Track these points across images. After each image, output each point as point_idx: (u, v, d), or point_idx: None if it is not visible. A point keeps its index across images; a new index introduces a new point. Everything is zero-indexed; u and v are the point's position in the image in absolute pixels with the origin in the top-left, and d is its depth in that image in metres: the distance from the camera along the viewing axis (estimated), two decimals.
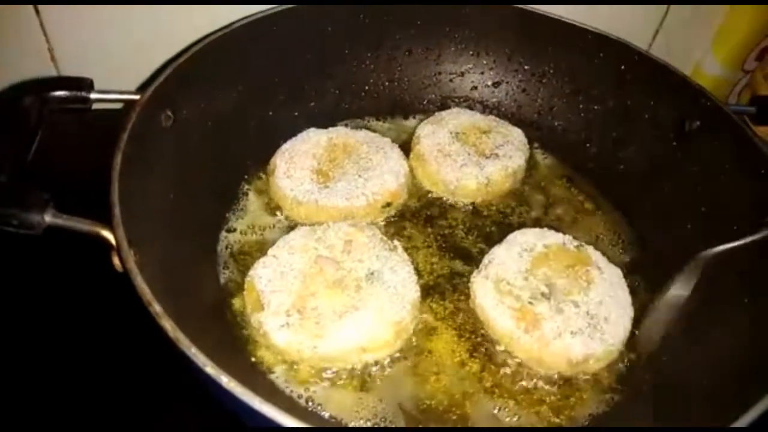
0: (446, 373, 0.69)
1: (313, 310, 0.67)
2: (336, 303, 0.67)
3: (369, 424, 0.64)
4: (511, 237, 0.77)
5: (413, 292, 0.71)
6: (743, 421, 0.52)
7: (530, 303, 0.70)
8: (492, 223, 0.84)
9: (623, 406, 0.68)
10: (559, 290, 0.71)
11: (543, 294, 0.71)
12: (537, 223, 0.84)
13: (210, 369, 0.49)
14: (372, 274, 0.70)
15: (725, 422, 0.52)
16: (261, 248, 0.76)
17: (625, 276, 0.79)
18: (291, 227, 0.80)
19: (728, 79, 1.18)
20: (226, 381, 0.48)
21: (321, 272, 0.70)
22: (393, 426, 0.64)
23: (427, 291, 0.75)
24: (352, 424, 0.64)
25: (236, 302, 0.72)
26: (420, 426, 0.65)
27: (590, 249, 0.76)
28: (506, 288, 0.71)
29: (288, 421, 0.47)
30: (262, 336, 0.67)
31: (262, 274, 0.70)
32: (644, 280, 0.79)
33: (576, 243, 0.76)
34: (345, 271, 0.70)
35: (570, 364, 0.68)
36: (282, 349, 0.66)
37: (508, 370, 0.70)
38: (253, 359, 0.67)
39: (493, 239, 0.80)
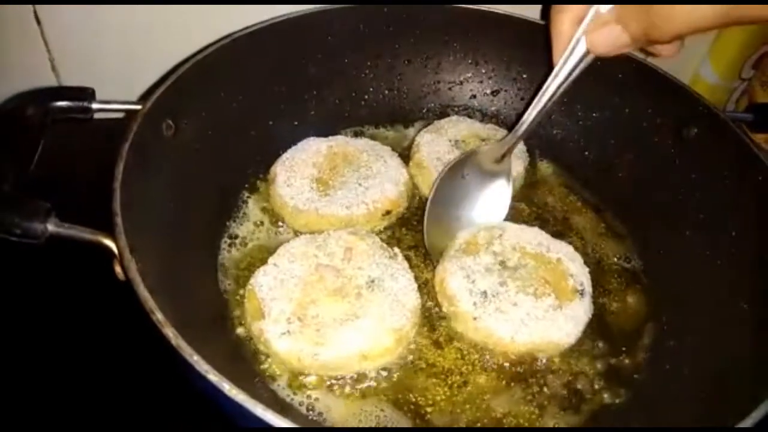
0: (447, 381, 0.69)
1: (313, 318, 0.67)
2: (336, 310, 0.68)
3: None
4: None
5: (414, 299, 0.71)
6: (747, 422, 0.52)
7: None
8: None
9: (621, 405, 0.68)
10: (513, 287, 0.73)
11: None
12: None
13: (212, 376, 0.49)
14: (372, 281, 0.71)
15: (727, 422, 0.52)
16: (261, 256, 0.76)
17: (624, 282, 0.80)
18: (291, 235, 0.80)
19: (726, 87, 1.19)
20: (228, 388, 0.48)
21: (321, 280, 0.70)
22: None
23: (427, 298, 0.75)
24: None
25: (237, 310, 0.72)
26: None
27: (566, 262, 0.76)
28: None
29: (290, 426, 0.47)
30: (263, 344, 0.67)
31: (263, 282, 0.70)
32: (643, 286, 0.80)
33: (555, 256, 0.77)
34: (345, 279, 0.71)
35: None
36: (283, 356, 0.66)
37: (509, 377, 0.70)
38: (253, 367, 0.67)
39: None
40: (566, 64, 0.68)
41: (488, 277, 0.73)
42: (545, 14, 0.78)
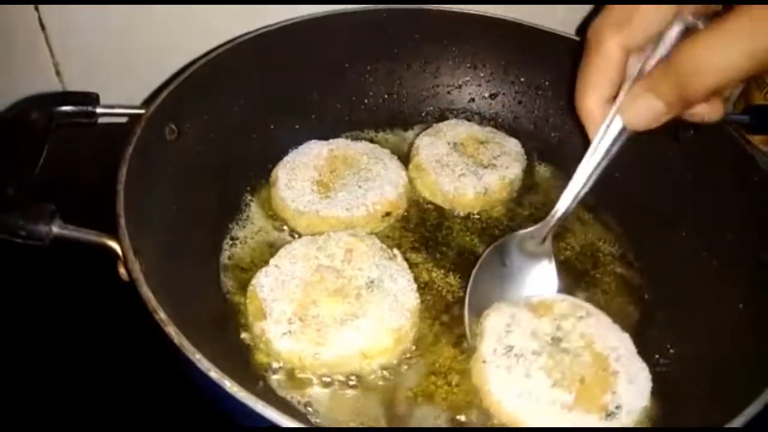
0: (446, 380, 0.69)
1: (314, 318, 0.68)
2: (337, 311, 0.68)
3: None
4: None
5: (412, 299, 0.72)
6: (740, 420, 0.53)
7: None
8: (490, 232, 0.85)
9: None
10: None
11: None
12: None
13: (213, 374, 0.50)
14: (372, 282, 0.71)
15: (724, 422, 0.53)
16: (263, 257, 0.77)
17: (621, 282, 0.81)
18: (293, 237, 0.81)
19: None
20: (229, 386, 0.49)
21: (322, 281, 0.71)
22: None
23: (426, 299, 0.76)
24: None
25: (239, 310, 0.73)
26: None
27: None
28: None
29: (292, 424, 0.48)
30: (265, 343, 0.68)
31: (264, 283, 0.71)
32: (639, 286, 0.80)
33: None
34: (345, 280, 0.71)
35: None
36: (284, 356, 0.67)
37: None
38: (254, 366, 0.68)
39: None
40: (602, 143, 0.66)
41: (528, 341, 0.68)
42: (581, 31, 0.78)
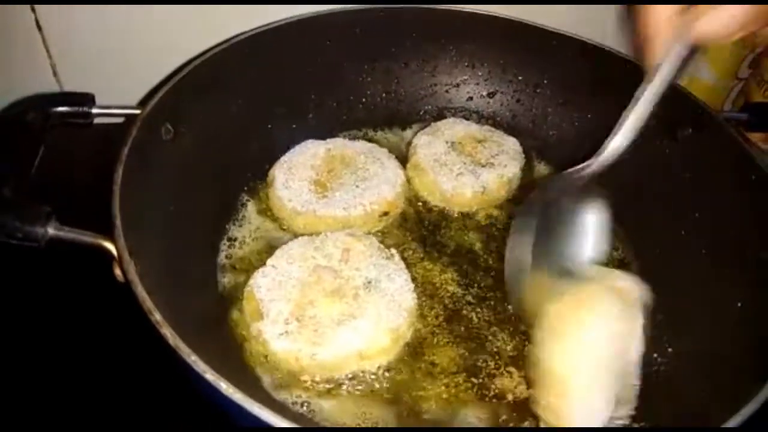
0: (443, 380, 0.69)
1: (311, 319, 0.68)
2: (334, 311, 0.68)
3: None
4: None
5: (410, 299, 0.72)
6: (736, 419, 0.52)
7: None
8: (488, 231, 0.85)
9: None
10: None
11: None
12: None
13: (209, 376, 0.49)
14: (369, 282, 0.71)
15: (723, 421, 0.53)
16: (260, 258, 0.77)
17: None
18: (290, 237, 0.81)
19: (723, 87, 1.19)
20: (225, 387, 0.49)
21: (319, 281, 0.71)
22: None
23: (424, 298, 0.76)
24: None
25: (235, 311, 0.73)
26: None
27: None
28: None
29: (288, 425, 0.48)
30: (262, 344, 0.68)
31: (261, 283, 0.71)
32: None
33: None
34: (343, 280, 0.71)
35: None
36: (281, 356, 0.67)
37: (504, 379, 0.70)
38: (251, 367, 0.68)
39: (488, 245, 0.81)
40: (666, 64, 0.61)
41: None
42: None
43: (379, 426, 0.65)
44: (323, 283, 0.71)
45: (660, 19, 0.60)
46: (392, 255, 0.75)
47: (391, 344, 0.69)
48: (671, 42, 0.60)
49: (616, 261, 0.83)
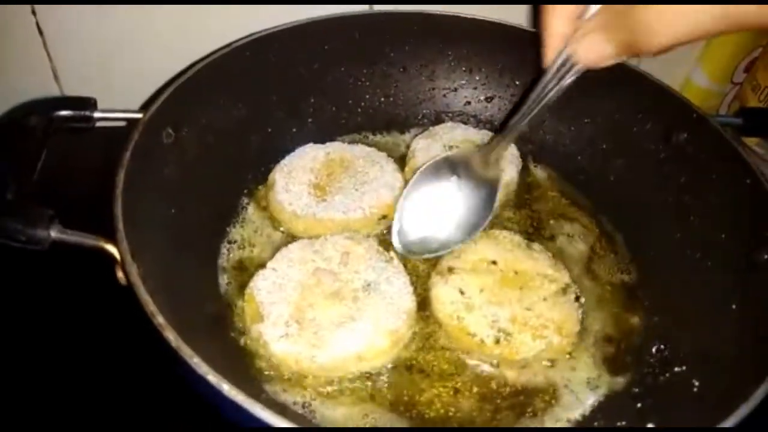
0: (441, 382, 0.70)
1: (311, 321, 0.68)
2: (333, 313, 0.69)
3: None
4: None
5: (409, 302, 0.72)
6: (731, 420, 0.53)
7: None
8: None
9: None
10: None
11: None
12: (529, 234, 0.86)
13: (211, 377, 0.50)
14: (368, 285, 0.72)
15: (719, 422, 0.54)
16: (260, 260, 0.78)
17: (616, 284, 0.81)
18: (290, 240, 0.81)
19: (718, 91, 1.20)
20: (227, 389, 0.50)
21: (319, 284, 0.72)
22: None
23: (422, 301, 0.76)
24: None
25: (236, 313, 0.74)
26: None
27: None
28: None
29: (289, 425, 0.49)
30: (262, 346, 0.68)
31: (262, 286, 0.71)
32: (635, 288, 0.81)
33: None
34: (342, 283, 0.72)
35: None
36: (281, 358, 0.67)
37: (499, 379, 0.71)
38: (252, 369, 0.69)
39: None
40: (558, 68, 0.63)
41: None
42: (535, 20, 0.76)
43: (379, 427, 0.66)
44: (323, 286, 0.71)
45: (555, 23, 0.62)
46: (391, 258, 0.76)
47: (390, 346, 0.69)
48: (560, 53, 0.63)
49: (613, 264, 0.84)
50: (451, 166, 0.80)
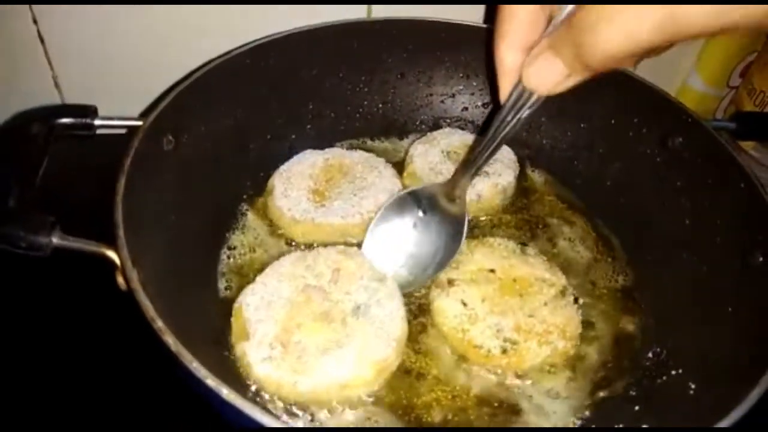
0: (439, 386, 0.70)
1: (296, 344, 0.66)
2: (320, 338, 0.67)
3: None
4: None
5: (399, 329, 0.69)
6: (727, 421, 0.54)
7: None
8: (483, 239, 0.86)
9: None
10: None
11: None
12: (526, 239, 0.87)
13: (210, 381, 0.51)
14: (358, 308, 0.70)
15: (715, 422, 0.54)
16: (260, 266, 0.78)
17: (613, 288, 0.82)
18: (289, 246, 0.82)
19: (714, 95, 1.21)
20: (226, 393, 0.50)
21: (308, 302, 0.69)
22: None
23: (415, 313, 0.76)
24: None
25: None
26: None
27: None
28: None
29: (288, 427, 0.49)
30: (245, 366, 0.66)
31: (250, 301, 0.70)
32: (631, 292, 0.82)
33: None
34: (332, 303, 0.70)
35: None
36: (263, 381, 0.65)
37: (498, 382, 0.71)
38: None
39: None
40: (515, 101, 0.58)
41: None
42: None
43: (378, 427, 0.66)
44: (312, 305, 0.69)
45: (506, 55, 0.57)
46: (384, 278, 0.74)
47: (375, 376, 0.67)
48: (516, 85, 0.58)
49: (610, 268, 0.85)
50: (416, 200, 0.79)
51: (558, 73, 0.51)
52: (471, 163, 0.71)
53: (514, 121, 0.60)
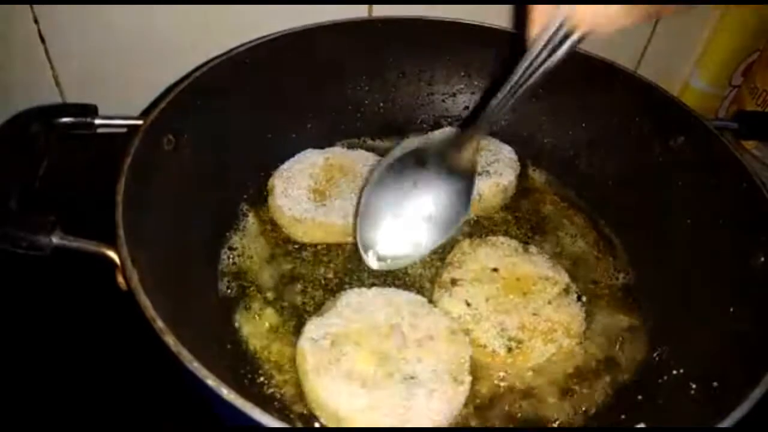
0: None
1: (342, 352, 0.65)
2: (360, 366, 0.65)
3: None
4: None
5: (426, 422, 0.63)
6: (726, 422, 0.54)
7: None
8: (485, 238, 0.86)
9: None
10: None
11: None
12: (528, 238, 0.86)
13: (210, 381, 0.50)
14: (412, 378, 0.64)
15: (716, 422, 0.54)
16: (260, 266, 0.78)
17: (614, 287, 0.82)
18: (289, 246, 0.82)
19: (717, 95, 1.21)
20: (226, 393, 0.50)
21: (384, 336, 0.67)
22: None
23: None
24: None
25: (236, 318, 0.74)
26: None
27: None
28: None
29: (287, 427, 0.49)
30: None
31: (352, 299, 0.71)
32: (632, 291, 0.81)
33: None
34: (399, 356, 0.66)
35: None
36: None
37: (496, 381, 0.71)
38: (252, 372, 0.69)
39: None
40: (548, 40, 0.54)
41: None
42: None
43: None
44: (384, 341, 0.67)
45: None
46: (462, 381, 0.66)
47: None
48: (549, 25, 0.53)
49: (611, 267, 0.84)
50: (419, 158, 0.71)
51: (615, 9, 0.47)
52: (489, 111, 0.64)
53: (546, 64, 0.55)
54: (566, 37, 0.53)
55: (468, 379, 0.66)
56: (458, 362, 0.67)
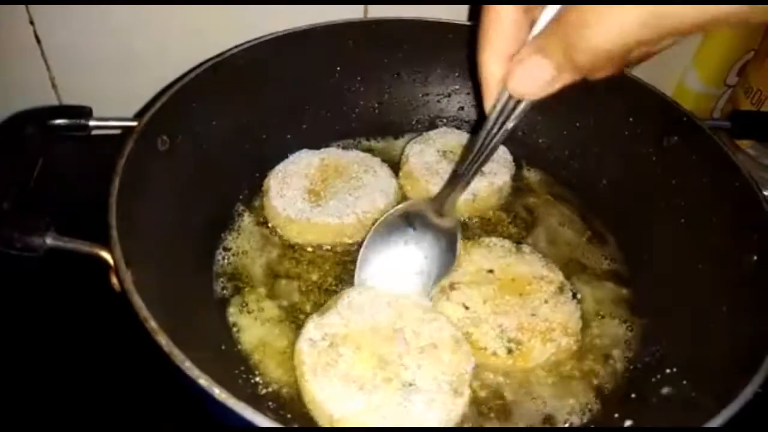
0: None
1: (337, 352, 0.65)
2: (358, 367, 0.64)
3: None
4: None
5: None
6: (718, 420, 0.54)
7: None
8: (480, 239, 0.86)
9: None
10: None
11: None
12: (522, 238, 0.87)
13: (203, 381, 0.51)
14: (410, 385, 0.63)
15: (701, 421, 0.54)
16: (255, 267, 0.78)
17: (609, 287, 0.82)
18: (285, 247, 0.82)
19: (712, 94, 1.21)
20: (218, 393, 0.50)
21: (387, 340, 0.67)
22: None
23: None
24: None
25: (231, 318, 0.74)
26: None
27: None
28: None
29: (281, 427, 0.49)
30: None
31: (354, 296, 0.71)
32: (627, 291, 0.82)
33: None
34: (399, 361, 0.65)
35: None
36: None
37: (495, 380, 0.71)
38: (245, 373, 0.69)
39: None
40: (500, 111, 0.57)
41: None
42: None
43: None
44: (385, 345, 0.66)
45: (490, 64, 0.55)
46: (462, 393, 0.65)
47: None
48: (501, 94, 0.56)
49: (605, 266, 0.85)
50: (407, 219, 0.78)
51: (547, 74, 0.49)
52: (459, 177, 0.70)
53: (501, 132, 0.59)
54: (518, 102, 0.56)
55: (468, 391, 0.66)
56: (459, 373, 0.66)
